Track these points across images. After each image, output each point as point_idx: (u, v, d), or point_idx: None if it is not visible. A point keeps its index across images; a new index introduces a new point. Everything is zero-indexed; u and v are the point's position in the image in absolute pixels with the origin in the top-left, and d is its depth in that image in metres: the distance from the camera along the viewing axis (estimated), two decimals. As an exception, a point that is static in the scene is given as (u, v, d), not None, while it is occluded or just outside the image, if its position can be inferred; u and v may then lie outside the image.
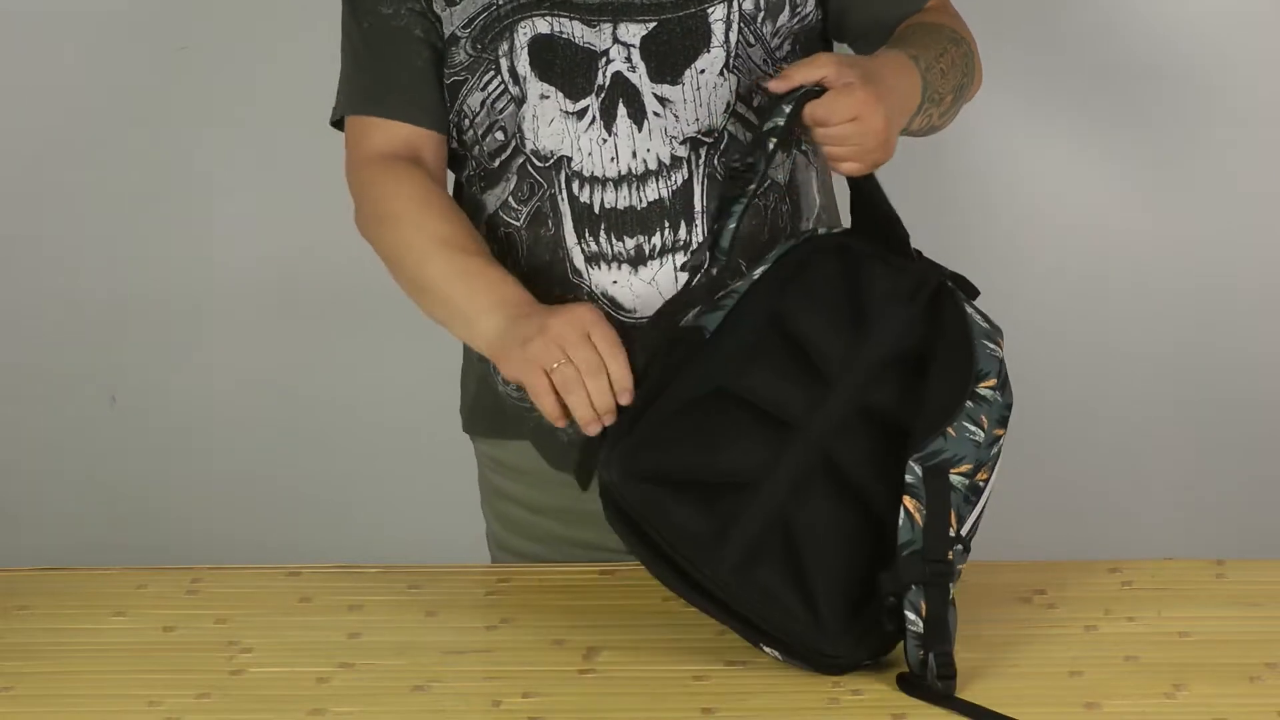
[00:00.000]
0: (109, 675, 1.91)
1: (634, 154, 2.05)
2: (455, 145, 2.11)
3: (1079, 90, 2.69)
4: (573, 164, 2.05)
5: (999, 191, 2.74)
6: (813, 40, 2.11)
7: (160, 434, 2.78)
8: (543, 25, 2.04)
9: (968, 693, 1.82)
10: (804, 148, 2.10)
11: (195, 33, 2.67)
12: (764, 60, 2.07)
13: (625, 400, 1.88)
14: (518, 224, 2.08)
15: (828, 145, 1.92)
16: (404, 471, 2.78)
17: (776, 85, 1.92)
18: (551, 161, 2.06)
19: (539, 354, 1.90)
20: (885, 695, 1.83)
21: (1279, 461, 2.73)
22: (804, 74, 1.92)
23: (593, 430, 1.88)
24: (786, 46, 2.08)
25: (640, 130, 2.04)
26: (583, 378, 1.88)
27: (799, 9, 2.08)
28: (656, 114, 2.04)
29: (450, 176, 2.15)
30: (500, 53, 2.06)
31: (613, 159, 2.04)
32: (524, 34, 2.05)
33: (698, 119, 2.05)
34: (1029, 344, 2.69)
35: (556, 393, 1.89)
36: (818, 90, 1.91)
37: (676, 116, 2.04)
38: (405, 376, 2.73)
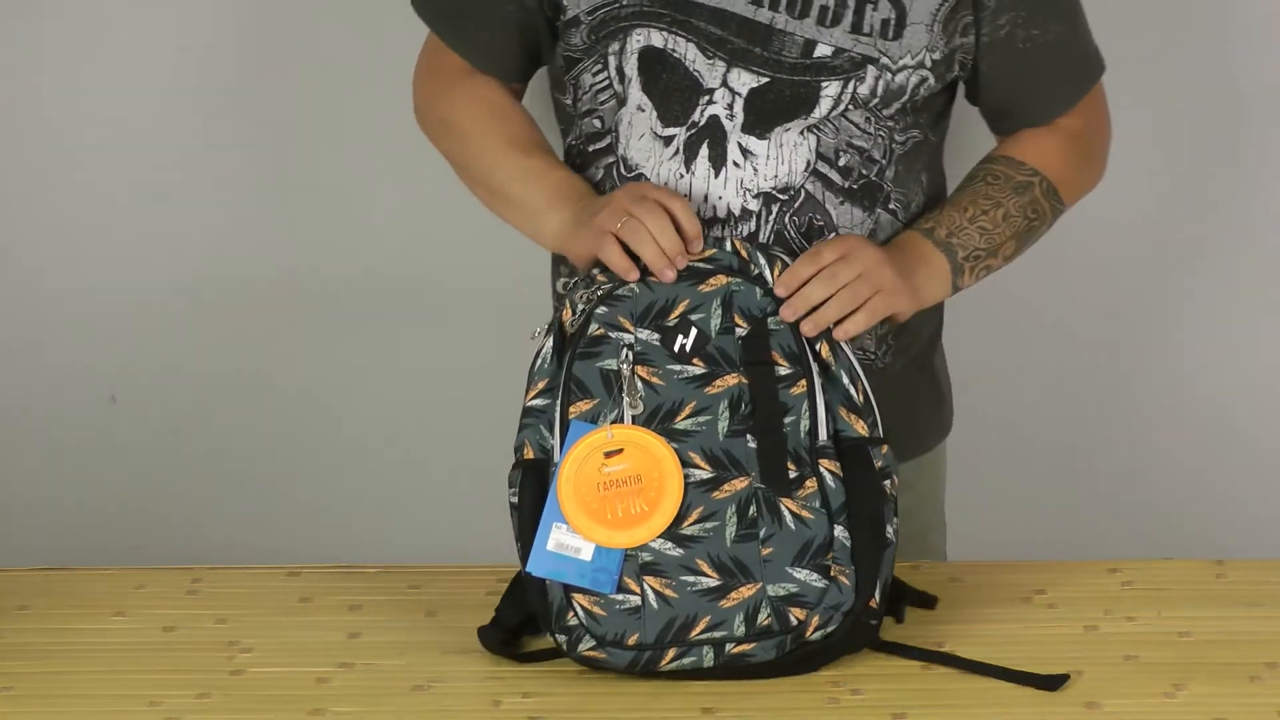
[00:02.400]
0: (109, 675, 1.91)
1: (705, 198, 2.03)
2: (570, 105, 2.12)
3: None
4: None
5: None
6: (931, 103, 2.08)
7: (160, 434, 2.78)
8: (657, 38, 2.03)
9: (968, 691, 1.82)
10: (891, 206, 2.06)
11: (196, 33, 2.67)
12: (865, 119, 2.04)
13: (696, 248, 1.91)
14: None
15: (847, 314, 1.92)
16: (404, 471, 2.77)
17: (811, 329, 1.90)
18: (632, 176, 2.05)
19: (604, 221, 1.94)
20: (885, 695, 1.83)
21: (1279, 461, 2.72)
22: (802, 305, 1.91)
23: (668, 276, 1.89)
24: (895, 105, 2.05)
25: (717, 177, 2.02)
26: (647, 225, 1.90)
27: (919, 90, 2.05)
28: (736, 164, 2.02)
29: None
30: (611, 50, 2.05)
31: (685, 198, 2.01)
32: (637, 41, 2.03)
33: (776, 175, 2.03)
34: (1029, 343, 2.69)
35: (626, 250, 1.91)
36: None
37: (755, 170, 2.02)
38: (406, 376, 2.72)
